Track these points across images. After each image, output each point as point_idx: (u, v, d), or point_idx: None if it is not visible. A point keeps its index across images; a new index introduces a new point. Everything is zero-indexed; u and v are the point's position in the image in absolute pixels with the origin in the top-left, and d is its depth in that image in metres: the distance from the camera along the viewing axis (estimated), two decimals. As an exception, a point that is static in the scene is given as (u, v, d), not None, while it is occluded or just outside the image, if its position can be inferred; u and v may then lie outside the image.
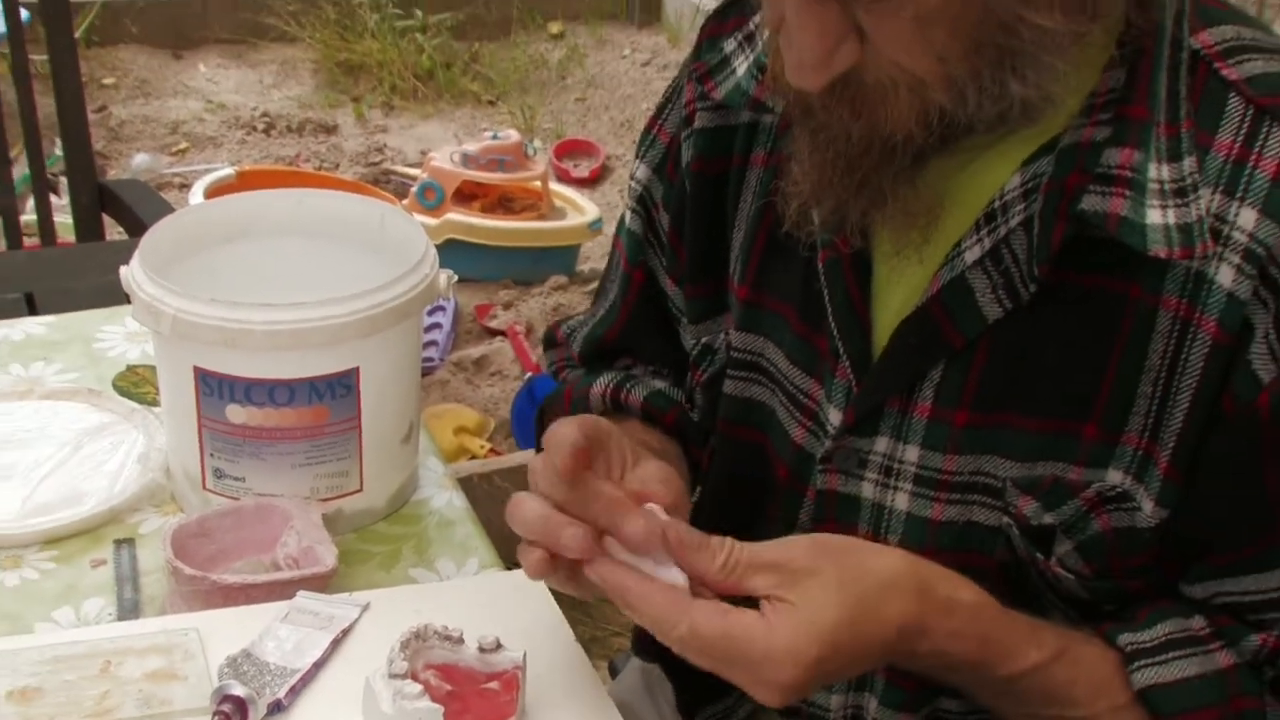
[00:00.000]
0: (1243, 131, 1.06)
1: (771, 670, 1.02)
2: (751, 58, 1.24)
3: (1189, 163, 1.06)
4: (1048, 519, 1.14)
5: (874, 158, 1.07)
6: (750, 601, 1.04)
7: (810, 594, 1.03)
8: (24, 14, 2.55)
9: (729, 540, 1.06)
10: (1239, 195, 1.05)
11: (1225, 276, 1.05)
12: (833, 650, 1.02)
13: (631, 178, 1.38)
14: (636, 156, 1.37)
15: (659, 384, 1.38)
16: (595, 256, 4.09)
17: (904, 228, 1.12)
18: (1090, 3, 1.02)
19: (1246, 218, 1.04)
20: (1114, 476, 1.12)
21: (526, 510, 1.09)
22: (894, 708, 1.24)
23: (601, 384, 1.38)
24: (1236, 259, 1.04)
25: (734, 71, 1.25)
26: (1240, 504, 1.10)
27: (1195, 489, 1.10)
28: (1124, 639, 1.13)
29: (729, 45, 1.27)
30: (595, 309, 1.45)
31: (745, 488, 1.30)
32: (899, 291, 1.17)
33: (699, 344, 1.33)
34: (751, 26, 1.25)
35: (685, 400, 1.37)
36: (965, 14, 1.00)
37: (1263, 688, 1.12)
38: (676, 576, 1.06)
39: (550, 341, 1.51)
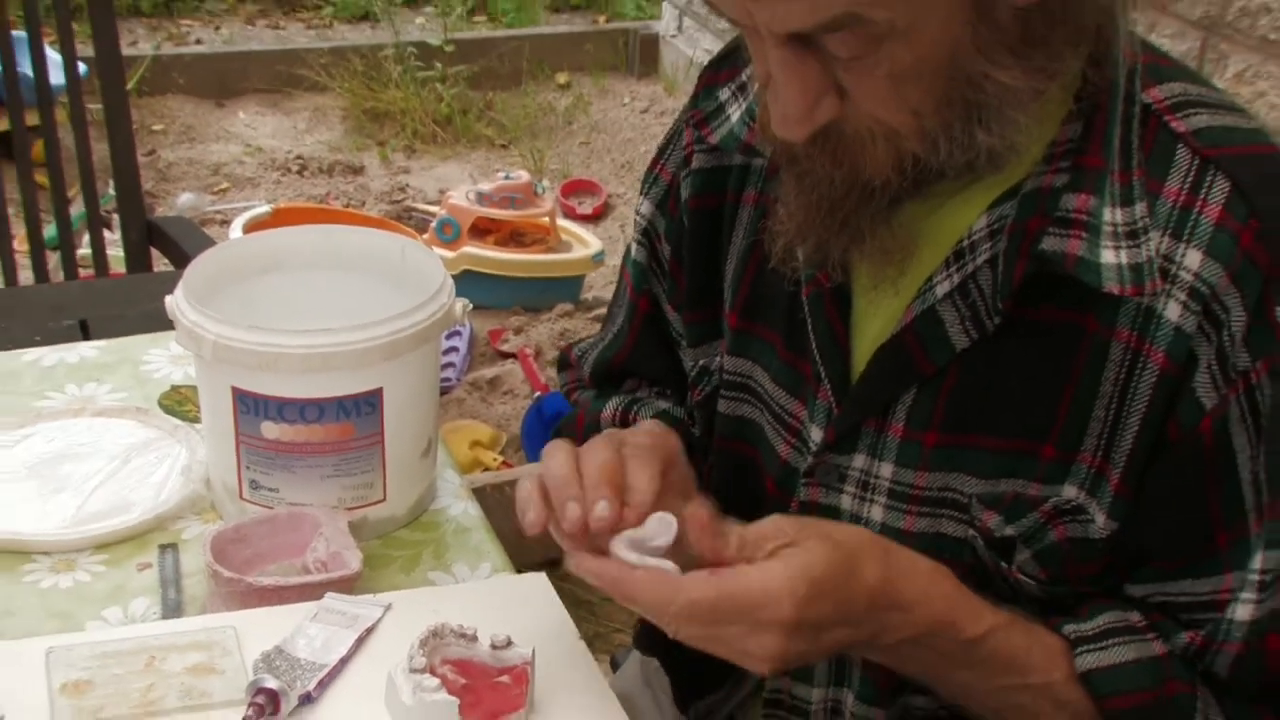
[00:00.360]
0: (1189, 180, 1.06)
1: (770, 610, 1.01)
2: (744, 106, 1.24)
3: (1140, 208, 1.06)
4: (1009, 531, 1.13)
5: (854, 200, 1.07)
6: None
7: (797, 549, 1.03)
8: (81, 67, 2.56)
9: (735, 526, 1.06)
10: (1185, 238, 1.05)
11: (1172, 312, 1.05)
12: (820, 593, 1.01)
13: (637, 213, 1.38)
14: (641, 193, 1.37)
15: (663, 404, 1.38)
16: (598, 286, 4.09)
17: (881, 264, 1.11)
18: (1048, 62, 1.02)
19: (1192, 259, 1.04)
20: (1069, 492, 1.11)
21: (559, 463, 1.10)
22: (869, 702, 1.23)
23: (611, 407, 1.37)
24: (1183, 296, 1.05)
25: (728, 118, 1.25)
26: (1183, 519, 1.10)
27: (1143, 505, 1.10)
28: (1069, 628, 1.12)
29: (724, 94, 1.27)
30: (604, 334, 1.45)
31: (739, 498, 1.29)
32: (875, 322, 1.17)
33: (697, 366, 1.33)
34: (744, 77, 1.25)
35: (688, 417, 1.37)
36: (936, 72, 1.00)
37: (1194, 675, 1.12)
38: (667, 566, 1.05)
39: (563, 364, 1.50)
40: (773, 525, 1.06)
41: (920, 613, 1.07)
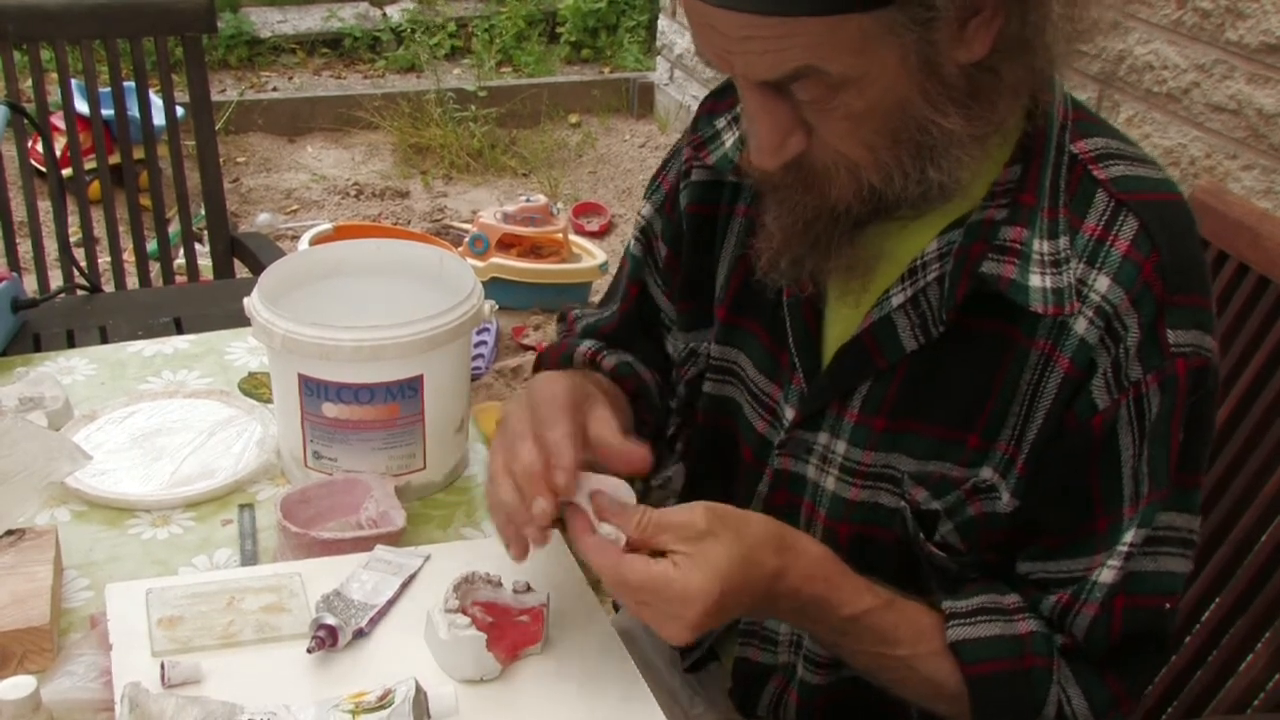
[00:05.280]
0: (1105, 218, 1.05)
1: (683, 607, 0.99)
2: (738, 133, 1.21)
3: (1064, 241, 1.05)
4: (935, 505, 1.12)
5: (823, 223, 1.06)
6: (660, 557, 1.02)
7: (709, 548, 1.00)
8: (179, 110, 2.55)
9: (644, 507, 1.04)
10: (1098, 265, 1.04)
11: (1081, 326, 1.04)
12: (730, 589, 1.00)
13: (638, 214, 1.35)
14: (644, 198, 1.34)
15: (626, 357, 1.34)
16: (603, 290, 4.08)
17: (846, 277, 1.10)
18: (987, 112, 1.01)
19: (1101, 283, 1.03)
20: (985, 473, 1.10)
21: (504, 494, 1.07)
22: None
23: (586, 347, 1.35)
24: (1090, 313, 1.03)
25: (723, 143, 1.23)
26: (1070, 500, 1.08)
27: (1039, 483, 1.08)
28: (946, 604, 1.11)
29: (720, 123, 1.24)
30: (602, 309, 1.42)
31: (719, 467, 1.28)
32: (841, 323, 1.15)
33: (687, 348, 1.30)
34: (739, 109, 1.22)
35: (669, 388, 1.34)
36: (888, 116, 0.99)
37: (1053, 651, 1.10)
38: (615, 533, 1.03)
39: (562, 318, 1.47)
40: (688, 515, 1.03)
41: (805, 592, 1.06)
